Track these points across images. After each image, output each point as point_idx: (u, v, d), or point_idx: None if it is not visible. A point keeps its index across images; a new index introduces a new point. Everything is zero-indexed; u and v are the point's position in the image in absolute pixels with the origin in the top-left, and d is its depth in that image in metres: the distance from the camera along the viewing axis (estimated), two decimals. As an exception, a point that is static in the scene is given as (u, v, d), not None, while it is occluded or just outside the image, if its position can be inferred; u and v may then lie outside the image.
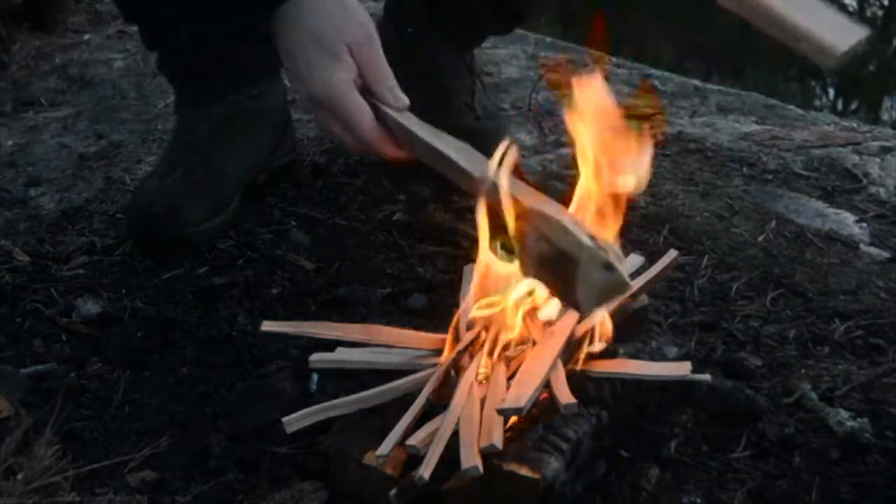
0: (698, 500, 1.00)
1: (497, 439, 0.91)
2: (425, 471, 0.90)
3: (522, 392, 0.94)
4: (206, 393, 1.17)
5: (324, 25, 1.10)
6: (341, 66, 1.09)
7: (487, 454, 0.91)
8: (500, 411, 0.93)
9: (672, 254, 1.20)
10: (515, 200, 0.95)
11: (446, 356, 1.04)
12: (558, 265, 0.89)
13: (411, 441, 0.94)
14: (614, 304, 0.99)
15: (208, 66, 1.52)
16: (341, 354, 1.12)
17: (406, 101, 1.11)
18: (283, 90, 1.64)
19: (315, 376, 1.14)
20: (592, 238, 0.89)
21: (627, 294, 0.94)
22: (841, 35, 0.97)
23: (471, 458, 0.90)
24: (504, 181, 0.94)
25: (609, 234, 1.02)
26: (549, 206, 0.97)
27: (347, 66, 1.10)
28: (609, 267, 0.88)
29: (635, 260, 1.24)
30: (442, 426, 0.95)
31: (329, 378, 1.14)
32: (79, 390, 1.17)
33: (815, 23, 0.97)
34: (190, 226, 1.43)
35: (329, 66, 1.09)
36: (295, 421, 1.02)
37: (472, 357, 1.04)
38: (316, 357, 1.11)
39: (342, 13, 1.12)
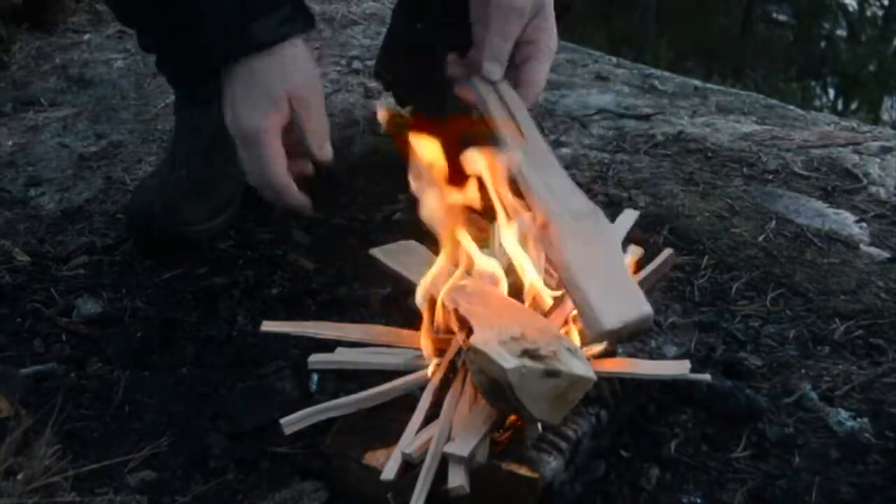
0: (698, 500, 1.00)
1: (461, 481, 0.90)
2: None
3: (472, 432, 0.93)
4: (206, 393, 1.17)
5: (271, 70, 1.15)
6: (274, 109, 1.14)
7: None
8: (447, 455, 0.91)
9: (667, 252, 1.20)
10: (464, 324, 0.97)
11: (433, 371, 1.04)
12: (502, 392, 0.88)
13: (407, 450, 0.93)
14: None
15: (203, 71, 1.53)
16: (341, 355, 1.12)
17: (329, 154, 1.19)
18: None
19: (315, 376, 1.14)
20: (526, 351, 0.88)
21: (590, 387, 0.91)
22: (617, 309, 0.94)
23: (458, 478, 0.90)
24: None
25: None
26: (491, 318, 0.96)
27: (281, 113, 1.14)
28: (552, 373, 0.87)
29: (634, 250, 1.23)
30: (435, 441, 0.94)
31: (329, 378, 1.14)
32: (79, 390, 1.17)
33: (599, 292, 0.95)
34: (189, 225, 1.43)
35: (262, 106, 1.14)
36: (294, 422, 1.02)
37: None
38: (316, 357, 1.11)
39: (291, 65, 1.17)
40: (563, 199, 1.06)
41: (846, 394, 1.15)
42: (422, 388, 1.02)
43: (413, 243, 1.19)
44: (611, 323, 0.93)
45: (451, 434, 0.94)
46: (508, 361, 0.87)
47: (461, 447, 0.91)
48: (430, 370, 1.04)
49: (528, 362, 0.88)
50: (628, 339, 1.03)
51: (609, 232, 1.06)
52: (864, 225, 1.53)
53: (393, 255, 1.15)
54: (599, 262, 1.00)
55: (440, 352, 1.05)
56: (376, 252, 1.16)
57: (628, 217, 1.27)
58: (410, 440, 0.95)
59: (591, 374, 0.91)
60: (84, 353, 1.24)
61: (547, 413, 0.90)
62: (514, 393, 0.87)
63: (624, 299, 0.96)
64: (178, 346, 1.25)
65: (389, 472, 0.92)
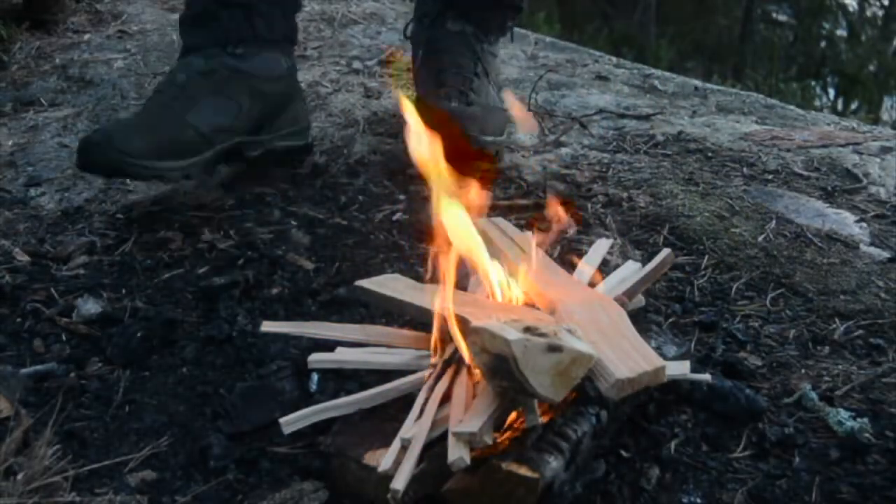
0: (698, 500, 1.00)
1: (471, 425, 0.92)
2: (397, 482, 0.90)
3: (479, 412, 0.94)
4: (206, 393, 1.17)
5: None
6: None
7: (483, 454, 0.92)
8: (456, 434, 0.92)
9: (665, 252, 1.20)
10: (459, 322, 0.98)
11: (429, 373, 1.04)
12: (505, 369, 0.89)
13: (406, 435, 0.94)
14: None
15: (197, 18, 1.60)
16: (341, 354, 1.12)
17: None
18: (286, 69, 1.67)
19: (315, 376, 1.14)
20: (528, 329, 0.90)
21: (592, 364, 0.92)
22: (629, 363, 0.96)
23: (458, 451, 0.90)
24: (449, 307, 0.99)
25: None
26: (488, 313, 0.98)
27: None
28: (554, 348, 0.88)
29: (632, 266, 1.24)
30: (415, 435, 0.94)
31: (329, 378, 1.14)
32: (79, 390, 1.17)
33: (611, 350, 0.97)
34: (125, 155, 1.45)
35: None
36: (293, 422, 1.02)
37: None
38: (315, 357, 1.11)
39: None
40: (570, 292, 1.10)
41: (846, 394, 1.15)
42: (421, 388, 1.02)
43: (396, 276, 1.21)
44: (622, 374, 0.93)
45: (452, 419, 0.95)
46: (512, 334, 0.88)
47: (470, 425, 0.91)
48: (426, 372, 1.04)
49: (531, 336, 0.89)
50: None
51: (618, 311, 1.07)
52: (864, 225, 1.53)
53: (379, 284, 1.16)
54: (609, 328, 1.02)
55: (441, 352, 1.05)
56: (363, 284, 1.16)
57: (602, 245, 1.30)
58: (409, 429, 0.95)
59: (593, 351, 0.92)
60: (84, 353, 1.24)
61: (550, 390, 0.90)
62: (518, 367, 0.87)
63: (636, 355, 0.97)
64: (178, 346, 1.25)
65: (387, 463, 0.92)
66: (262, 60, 1.60)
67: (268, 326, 1.16)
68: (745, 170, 1.72)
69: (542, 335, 0.89)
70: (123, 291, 1.36)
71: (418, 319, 1.12)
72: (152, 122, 1.51)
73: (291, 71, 1.68)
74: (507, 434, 0.96)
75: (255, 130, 1.60)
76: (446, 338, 1.05)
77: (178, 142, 1.49)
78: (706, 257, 1.43)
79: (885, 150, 1.79)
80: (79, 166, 1.50)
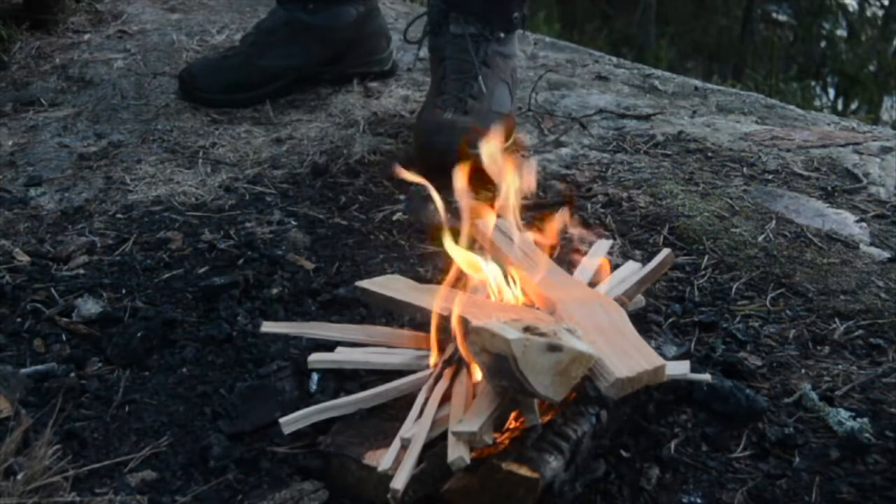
0: (698, 500, 1.00)
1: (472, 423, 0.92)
2: (397, 482, 0.90)
3: (479, 412, 0.94)
4: (206, 393, 1.17)
5: None
6: None
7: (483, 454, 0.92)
8: (456, 434, 0.92)
9: (665, 252, 1.20)
10: (460, 322, 0.99)
11: (429, 373, 1.05)
12: (505, 369, 0.89)
13: (406, 435, 0.94)
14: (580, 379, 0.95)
15: None
16: (341, 354, 1.12)
17: None
18: (355, 17, 2.01)
19: (315, 376, 1.14)
20: (528, 328, 0.90)
21: (591, 363, 0.92)
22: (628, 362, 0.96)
23: (458, 450, 0.90)
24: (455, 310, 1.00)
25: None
26: (488, 313, 0.98)
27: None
28: (554, 348, 0.88)
29: (632, 266, 1.24)
30: (415, 435, 0.95)
31: (329, 378, 1.14)
32: (79, 390, 1.17)
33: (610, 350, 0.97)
34: (201, 91, 1.97)
35: None
36: (293, 422, 1.02)
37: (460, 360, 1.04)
38: (316, 357, 1.11)
39: None
40: (570, 292, 1.10)
41: (846, 394, 1.15)
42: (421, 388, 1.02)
43: (396, 276, 1.22)
44: (622, 373, 0.93)
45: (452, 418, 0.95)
46: (512, 333, 0.88)
47: (470, 425, 0.91)
48: (426, 372, 1.04)
49: (530, 336, 0.89)
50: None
51: (618, 311, 1.07)
52: (864, 225, 1.53)
53: (380, 285, 1.17)
54: (609, 328, 1.02)
55: (441, 353, 1.05)
56: (363, 284, 1.16)
57: (602, 245, 1.30)
58: (409, 429, 0.95)
59: (593, 351, 0.92)
60: (84, 353, 1.24)
61: (550, 389, 0.90)
62: (518, 366, 0.87)
63: (636, 354, 0.97)
64: (178, 346, 1.25)
65: (387, 463, 0.92)
66: (329, 14, 1.98)
67: (268, 326, 1.16)
68: (745, 170, 1.72)
69: (541, 335, 0.89)
70: (123, 291, 1.36)
71: (418, 319, 1.13)
72: (229, 65, 1.98)
73: (362, 16, 2.01)
74: (507, 434, 0.96)
75: (331, 62, 2.03)
76: (445, 338, 1.05)
77: (245, 80, 1.96)
78: (706, 257, 1.43)
79: (885, 150, 1.79)
80: (179, 97, 2.01)
